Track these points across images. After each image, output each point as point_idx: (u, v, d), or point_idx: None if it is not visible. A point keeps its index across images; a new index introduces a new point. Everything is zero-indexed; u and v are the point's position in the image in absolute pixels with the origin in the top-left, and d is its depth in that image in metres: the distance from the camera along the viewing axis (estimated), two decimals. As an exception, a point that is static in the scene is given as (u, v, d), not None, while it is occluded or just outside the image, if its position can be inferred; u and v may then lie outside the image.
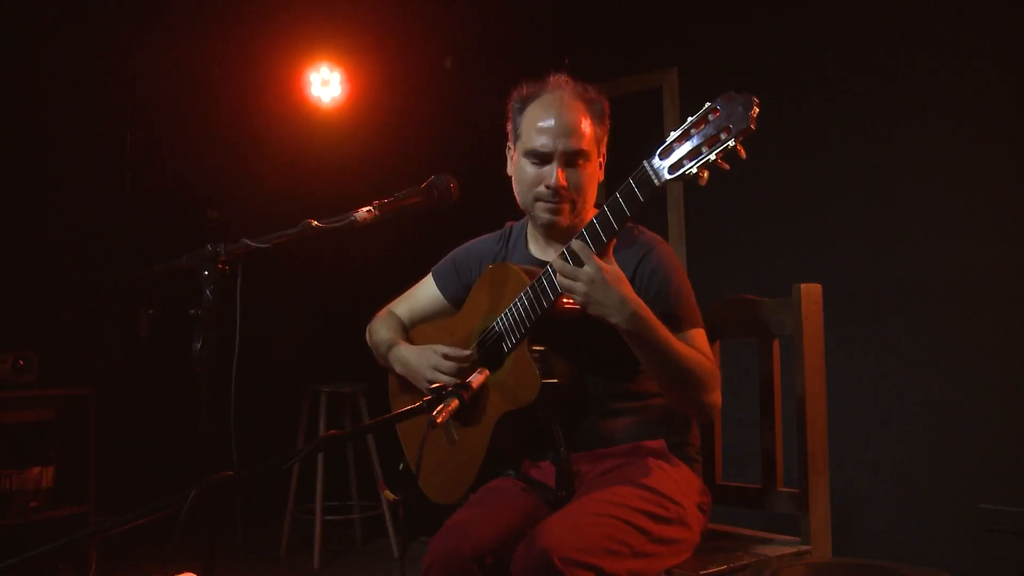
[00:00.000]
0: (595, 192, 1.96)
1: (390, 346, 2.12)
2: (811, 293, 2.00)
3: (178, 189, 4.51)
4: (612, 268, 1.67)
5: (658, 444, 1.85)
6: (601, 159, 1.96)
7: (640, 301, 1.68)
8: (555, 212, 1.90)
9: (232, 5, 4.33)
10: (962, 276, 3.17)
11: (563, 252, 1.71)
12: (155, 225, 4.34)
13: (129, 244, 4.27)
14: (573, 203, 1.90)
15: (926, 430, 3.22)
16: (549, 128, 1.87)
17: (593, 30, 4.32)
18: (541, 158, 1.88)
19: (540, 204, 1.91)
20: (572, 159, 1.88)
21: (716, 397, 1.79)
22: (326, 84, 4.66)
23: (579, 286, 1.65)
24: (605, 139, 1.95)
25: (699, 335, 1.83)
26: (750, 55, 3.74)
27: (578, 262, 1.68)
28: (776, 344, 2.08)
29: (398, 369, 2.09)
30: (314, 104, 4.67)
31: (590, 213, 1.93)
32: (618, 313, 1.65)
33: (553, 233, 1.97)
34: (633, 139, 4.26)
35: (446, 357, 1.96)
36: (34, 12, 4.04)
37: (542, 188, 1.89)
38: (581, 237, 1.69)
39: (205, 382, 1.55)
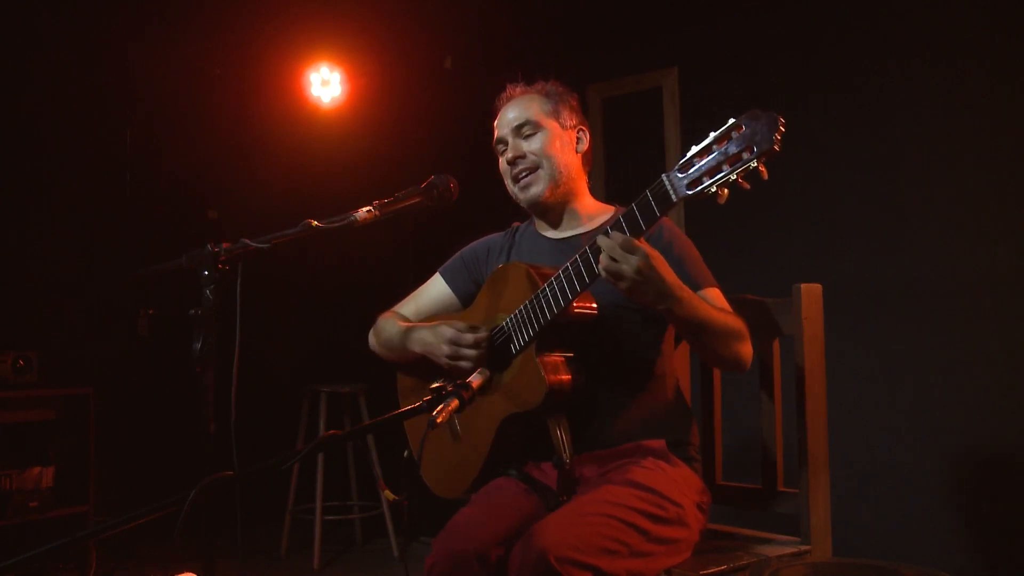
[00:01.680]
0: (573, 162, 2.01)
1: (405, 331, 2.05)
2: (811, 293, 2.00)
3: (178, 189, 4.51)
4: (656, 253, 1.62)
5: (658, 444, 1.85)
6: (573, 131, 2.02)
7: (681, 283, 1.67)
8: (526, 186, 1.98)
9: (232, 5, 4.32)
10: (962, 276, 3.17)
11: (594, 242, 1.64)
12: (155, 225, 4.34)
13: (129, 244, 4.27)
14: (539, 168, 1.97)
15: (926, 430, 3.22)
16: (501, 119, 2.05)
17: (593, 30, 4.31)
18: (503, 146, 2.03)
19: (513, 187, 2.02)
20: (520, 131, 2.00)
21: (750, 347, 1.84)
22: (326, 84, 4.65)
23: (628, 270, 1.58)
24: (570, 113, 2.03)
25: (717, 294, 1.86)
26: (750, 55, 3.74)
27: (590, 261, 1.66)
28: (776, 344, 2.08)
29: (417, 349, 2.00)
30: (314, 104, 4.67)
31: (577, 184, 2.01)
32: (664, 299, 1.63)
33: (551, 217, 2.02)
34: (633, 139, 4.28)
35: (460, 330, 1.91)
36: (34, 12, 4.04)
37: (507, 167, 2.01)
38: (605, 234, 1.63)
39: (205, 382, 1.55)
